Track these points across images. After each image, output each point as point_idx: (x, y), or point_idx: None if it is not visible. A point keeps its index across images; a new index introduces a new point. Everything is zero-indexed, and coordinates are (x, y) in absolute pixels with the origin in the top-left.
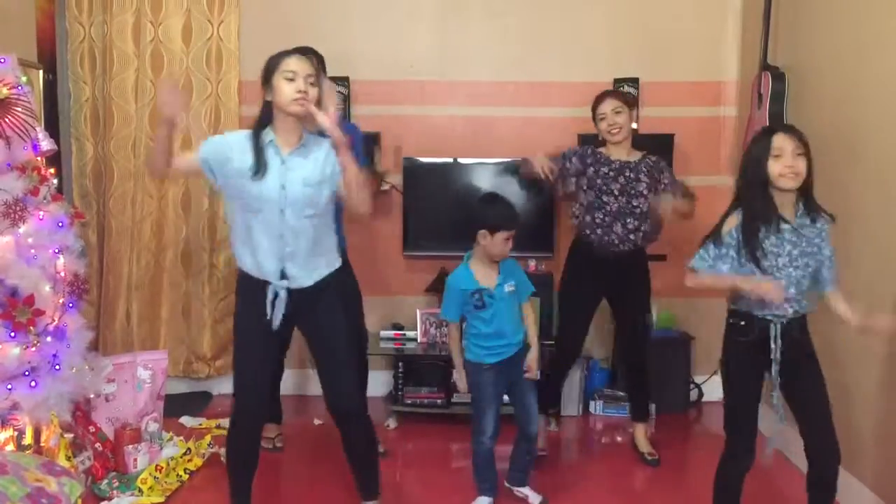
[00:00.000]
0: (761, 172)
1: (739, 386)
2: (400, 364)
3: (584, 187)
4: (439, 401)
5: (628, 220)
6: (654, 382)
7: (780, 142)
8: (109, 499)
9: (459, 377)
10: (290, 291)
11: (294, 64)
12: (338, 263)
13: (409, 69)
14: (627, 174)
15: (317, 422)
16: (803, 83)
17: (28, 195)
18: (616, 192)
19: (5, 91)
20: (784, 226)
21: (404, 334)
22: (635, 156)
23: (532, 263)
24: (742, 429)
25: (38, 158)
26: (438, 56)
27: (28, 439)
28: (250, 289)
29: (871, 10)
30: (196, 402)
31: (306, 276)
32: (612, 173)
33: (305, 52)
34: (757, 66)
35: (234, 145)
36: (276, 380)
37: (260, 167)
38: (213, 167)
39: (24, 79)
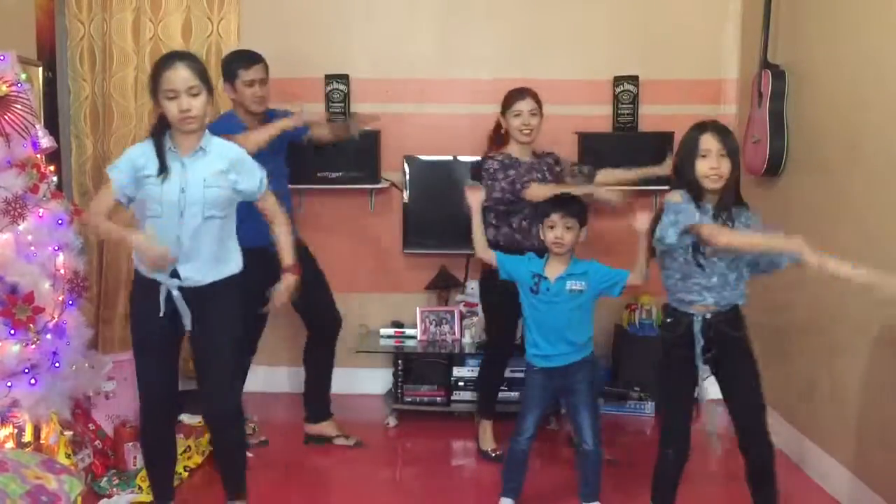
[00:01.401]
0: (689, 170)
1: (670, 381)
2: (400, 362)
3: (498, 195)
4: (439, 398)
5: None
6: (651, 381)
7: (707, 142)
8: (109, 496)
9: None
10: (183, 290)
11: (172, 80)
12: (237, 268)
13: (408, 69)
14: (535, 175)
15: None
16: (803, 81)
17: (28, 192)
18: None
19: (5, 88)
20: (706, 220)
21: (404, 332)
22: (534, 157)
23: None
24: (674, 423)
25: (38, 156)
26: (438, 54)
27: (28, 437)
28: (145, 290)
29: (871, 10)
30: (195, 400)
31: (198, 277)
32: (524, 173)
33: (183, 57)
34: (757, 65)
35: (139, 155)
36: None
37: (164, 169)
38: (128, 191)
39: (23, 76)
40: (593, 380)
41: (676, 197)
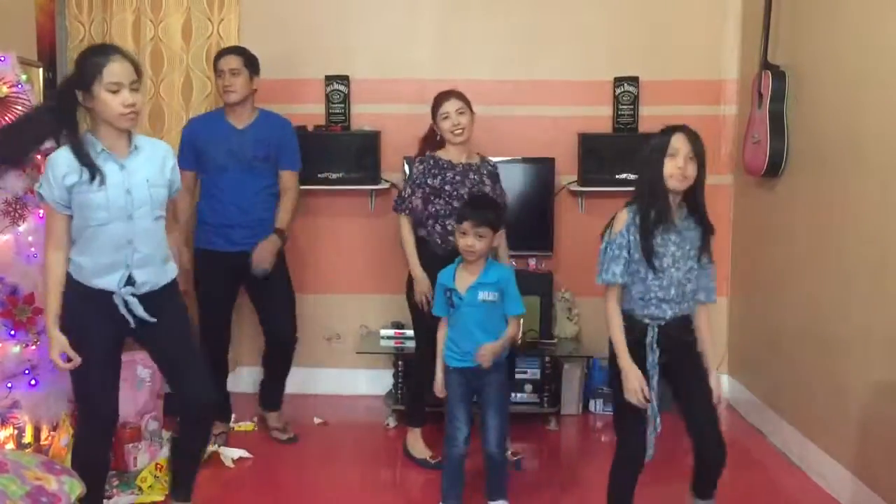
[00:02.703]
0: (657, 170)
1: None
2: (400, 363)
3: (431, 198)
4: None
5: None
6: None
7: (678, 142)
8: (109, 497)
9: (437, 379)
10: (137, 297)
11: (117, 73)
12: (175, 272)
13: (409, 68)
14: (472, 177)
15: (317, 420)
16: (803, 82)
17: (28, 194)
18: (466, 196)
19: (5, 89)
20: (670, 226)
21: (404, 333)
22: (475, 158)
23: (532, 262)
24: (634, 429)
25: (38, 157)
26: (438, 54)
27: (28, 438)
28: (89, 301)
29: (871, 10)
30: None
31: (153, 281)
32: (458, 177)
33: (121, 51)
34: (757, 65)
35: (62, 164)
36: (223, 377)
37: (97, 174)
38: (67, 203)
39: (24, 77)
40: (504, 382)
41: (623, 216)
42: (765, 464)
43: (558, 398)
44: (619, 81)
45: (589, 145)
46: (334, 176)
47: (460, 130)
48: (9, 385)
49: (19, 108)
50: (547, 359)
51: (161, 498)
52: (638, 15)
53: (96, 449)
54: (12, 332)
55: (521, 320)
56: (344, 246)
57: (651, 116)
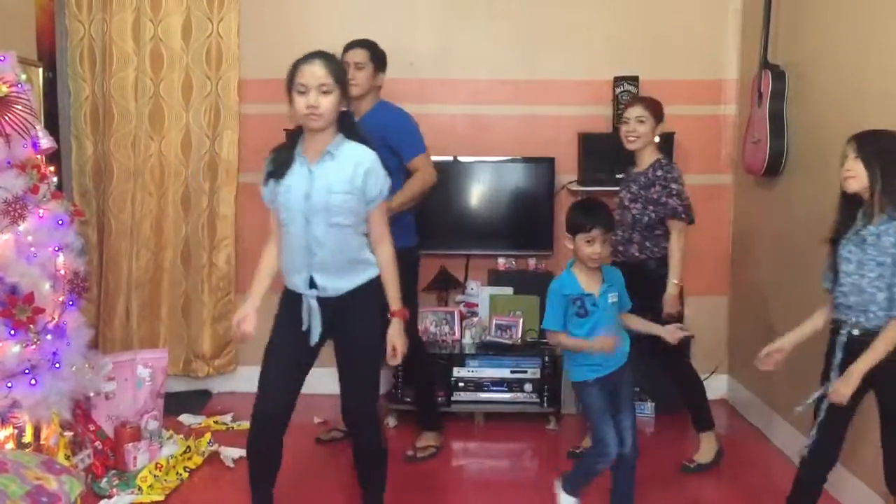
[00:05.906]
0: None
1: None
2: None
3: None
4: (439, 399)
5: (618, 231)
6: (654, 381)
7: (845, 147)
8: (109, 497)
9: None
10: (321, 301)
11: (305, 75)
12: (373, 273)
13: (409, 67)
14: (635, 183)
15: (316, 420)
16: (803, 81)
17: (28, 193)
18: (625, 203)
19: (5, 89)
20: (859, 232)
21: None
22: (646, 166)
23: (532, 262)
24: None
25: (38, 156)
26: (439, 54)
27: (28, 437)
28: (290, 299)
29: (871, 9)
30: (196, 401)
31: (335, 286)
32: (624, 184)
33: (323, 56)
34: (757, 65)
35: (268, 163)
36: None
37: (282, 171)
38: (269, 198)
39: (23, 77)
40: (632, 382)
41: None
42: (765, 464)
43: (558, 398)
44: (618, 81)
45: (589, 145)
46: None
47: (634, 137)
48: (9, 385)
49: (19, 107)
50: (547, 358)
51: (161, 497)
52: (638, 15)
53: (258, 442)
54: (12, 332)
55: None
56: None
57: None
